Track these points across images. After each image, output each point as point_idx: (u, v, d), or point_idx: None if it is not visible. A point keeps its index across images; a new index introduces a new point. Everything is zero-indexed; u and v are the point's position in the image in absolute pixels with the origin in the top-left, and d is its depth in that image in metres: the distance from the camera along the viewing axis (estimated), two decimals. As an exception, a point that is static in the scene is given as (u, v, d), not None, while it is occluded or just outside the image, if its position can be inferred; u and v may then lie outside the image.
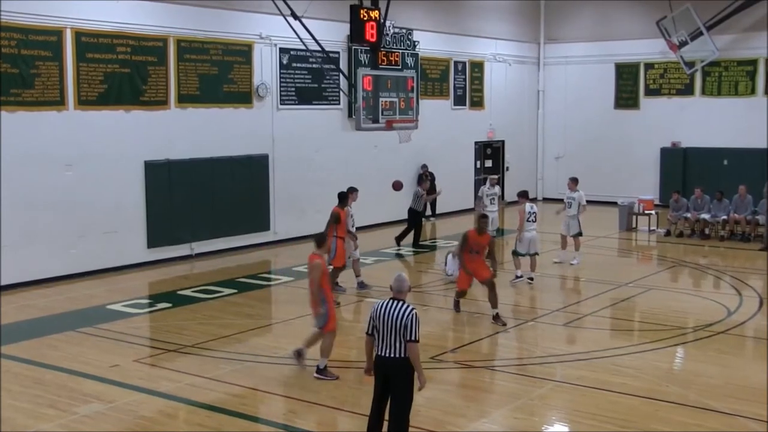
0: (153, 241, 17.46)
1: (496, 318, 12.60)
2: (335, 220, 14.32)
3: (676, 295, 15.28)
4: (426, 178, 21.03)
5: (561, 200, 18.77)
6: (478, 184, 27.18)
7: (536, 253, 15.91)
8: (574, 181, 17.91)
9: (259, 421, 9.17)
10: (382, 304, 7.55)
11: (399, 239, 19.47)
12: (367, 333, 7.67)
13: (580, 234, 17.60)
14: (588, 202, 17.98)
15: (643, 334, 12.54)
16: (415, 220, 19.61)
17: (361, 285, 15.05)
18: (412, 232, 19.59)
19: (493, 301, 12.73)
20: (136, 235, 17.20)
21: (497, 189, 19.08)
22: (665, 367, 10.82)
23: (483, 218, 13.61)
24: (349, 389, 10.12)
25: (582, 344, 11.80)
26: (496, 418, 9.12)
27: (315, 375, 10.13)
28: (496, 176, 20.03)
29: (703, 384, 9.98)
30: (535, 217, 15.83)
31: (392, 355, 7.41)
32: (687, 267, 17.82)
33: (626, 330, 13.03)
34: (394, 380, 7.47)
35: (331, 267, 14.05)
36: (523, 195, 16.31)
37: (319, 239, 10.58)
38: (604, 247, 19.97)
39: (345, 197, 14.87)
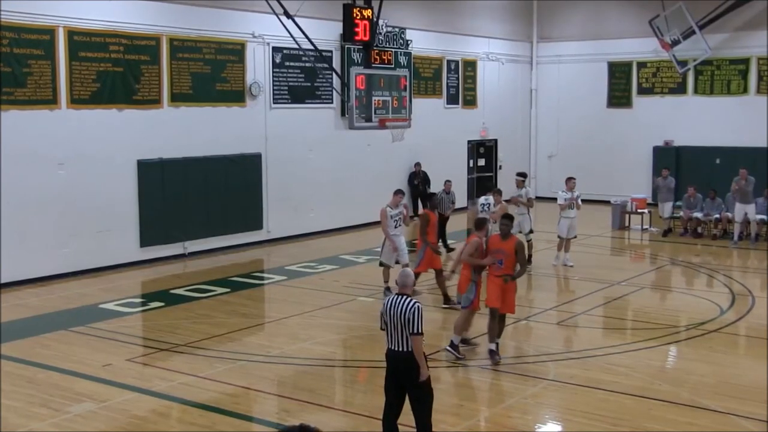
0: (146, 240, 17.42)
1: (493, 353, 10.69)
2: (425, 223, 13.88)
3: (668, 294, 15.32)
4: (427, 179, 20.49)
5: (554, 199, 18.69)
6: (471, 182, 27.25)
7: None
8: (573, 180, 17.41)
9: (252, 420, 9.17)
10: (390, 299, 7.64)
11: (444, 243, 18.28)
12: (381, 328, 7.77)
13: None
14: (582, 201, 17.87)
15: (635, 333, 12.58)
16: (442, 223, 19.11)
17: (388, 292, 14.02)
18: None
19: (495, 331, 10.73)
20: (128, 234, 17.16)
21: (524, 191, 17.24)
22: (658, 366, 10.85)
23: (506, 219, 11.01)
24: (343, 388, 10.14)
25: (575, 343, 11.83)
26: (490, 416, 9.15)
27: (446, 348, 10.78)
28: (522, 178, 17.69)
29: (696, 382, 10.01)
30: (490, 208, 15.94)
31: (400, 350, 7.48)
32: (680, 266, 17.86)
33: (619, 328, 13.05)
34: (405, 374, 7.51)
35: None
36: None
37: (478, 222, 11.35)
38: (597, 245, 20.00)
39: (431, 196, 14.38)
